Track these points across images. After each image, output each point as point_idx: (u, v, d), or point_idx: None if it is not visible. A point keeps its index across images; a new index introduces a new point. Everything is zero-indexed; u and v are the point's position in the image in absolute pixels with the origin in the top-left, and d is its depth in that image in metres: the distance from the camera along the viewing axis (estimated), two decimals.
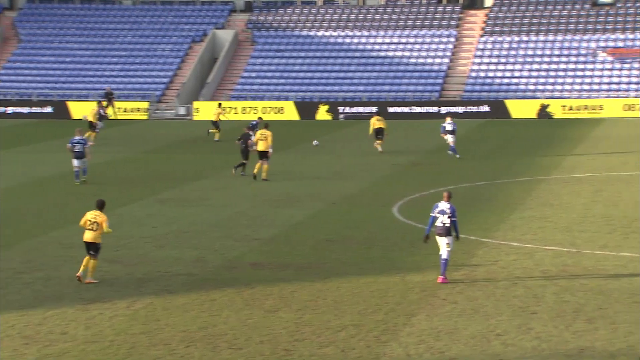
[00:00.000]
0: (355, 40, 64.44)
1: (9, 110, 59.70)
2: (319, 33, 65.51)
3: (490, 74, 60.52)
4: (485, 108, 56.08)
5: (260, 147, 33.27)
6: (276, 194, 31.14)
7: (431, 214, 20.01)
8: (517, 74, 60.19)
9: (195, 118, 58.78)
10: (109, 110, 55.90)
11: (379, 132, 41.33)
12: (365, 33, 64.90)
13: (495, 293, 19.05)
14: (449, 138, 39.40)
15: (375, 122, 41.46)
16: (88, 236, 20.18)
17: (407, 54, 62.99)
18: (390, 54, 63.15)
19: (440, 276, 19.83)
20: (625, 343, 15.94)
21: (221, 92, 62.03)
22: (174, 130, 52.39)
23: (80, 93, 61.59)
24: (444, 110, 55.72)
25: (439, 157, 39.84)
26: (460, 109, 56.23)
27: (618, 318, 17.27)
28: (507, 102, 56.32)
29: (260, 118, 42.81)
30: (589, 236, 24.05)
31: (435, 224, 19.85)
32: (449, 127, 39.59)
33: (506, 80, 59.87)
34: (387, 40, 64.22)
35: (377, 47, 63.82)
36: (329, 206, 29.13)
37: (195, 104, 59.55)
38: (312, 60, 63.54)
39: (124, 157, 41.61)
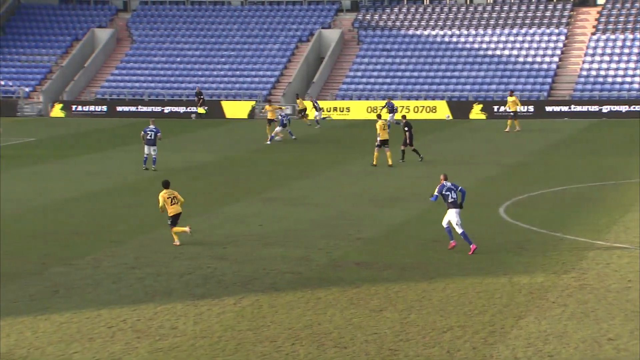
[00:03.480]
0: (462, 39, 63.77)
1: (129, 108, 61.35)
2: (426, 32, 65.09)
3: (602, 72, 59.01)
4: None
5: (383, 136, 36.17)
6: (379, 194, 31.06)
7: (435, 194, 22.45)
8: (630, 72, 58.52)
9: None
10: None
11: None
12: (473, 32, 64.15)
13: (606, 297, 18.55)
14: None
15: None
16: (175, 210, 23.86)
17: (515, 52, 62.00)
18: (498, 52, 62.27)
19: (472, 245, 22.01)
20: None
21: (327, 91, 62.28)
22: None
23: (190, 92, 62.75)
24: (556, 109, 55.10)
25: (547, 157, 39.04)
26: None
27: None
28: None
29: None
30: None
31: (448, 201, 22.28)
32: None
33: (619, 79, 58.27)
34: (494, 38, 63.34)
35: (484, 45, 63.02)
36: (434, 206, 28.87)
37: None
38: (418, 59, 63.17)
39: (227, 155, 42.17)
